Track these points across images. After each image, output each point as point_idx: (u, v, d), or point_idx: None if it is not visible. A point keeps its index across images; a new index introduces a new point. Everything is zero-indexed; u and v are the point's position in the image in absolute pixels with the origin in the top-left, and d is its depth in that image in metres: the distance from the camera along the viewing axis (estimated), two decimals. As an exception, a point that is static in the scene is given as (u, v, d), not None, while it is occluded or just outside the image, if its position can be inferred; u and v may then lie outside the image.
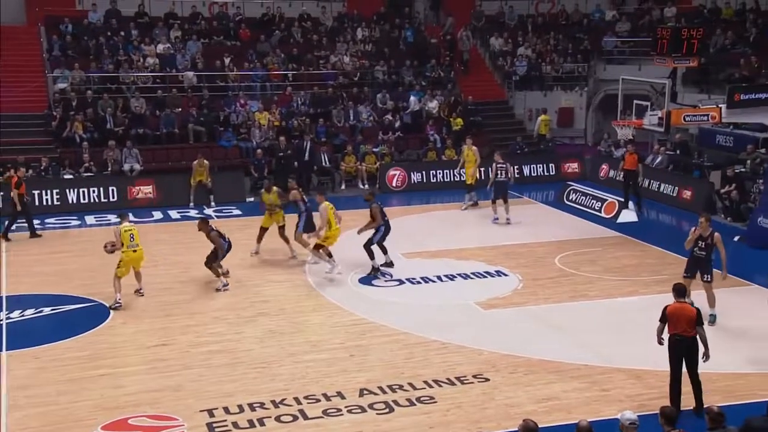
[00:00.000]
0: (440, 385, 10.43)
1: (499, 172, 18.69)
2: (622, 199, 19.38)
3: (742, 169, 19.69)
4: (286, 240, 16.12)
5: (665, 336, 9.52)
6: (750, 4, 27.26)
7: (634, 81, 18.81)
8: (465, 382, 10.54)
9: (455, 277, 14.90)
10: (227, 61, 25.56)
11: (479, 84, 27.92)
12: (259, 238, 16.35)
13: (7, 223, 17.89)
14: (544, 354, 11.34)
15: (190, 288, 14.48)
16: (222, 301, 13.75)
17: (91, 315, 13.09)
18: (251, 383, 10.58)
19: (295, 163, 22.27)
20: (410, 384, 10.46)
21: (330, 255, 14.79)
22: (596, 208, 19.65)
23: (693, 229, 12.36)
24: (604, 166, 23.46)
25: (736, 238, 17.35)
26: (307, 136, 22.85)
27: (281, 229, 16.12)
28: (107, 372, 10.94)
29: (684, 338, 9.34)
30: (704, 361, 9.44)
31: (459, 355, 11.41)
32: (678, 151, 22.36)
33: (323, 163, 22.82)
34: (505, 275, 15.03)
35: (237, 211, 20.40)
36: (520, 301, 13.68)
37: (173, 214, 20.12)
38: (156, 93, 24.20)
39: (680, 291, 9.68)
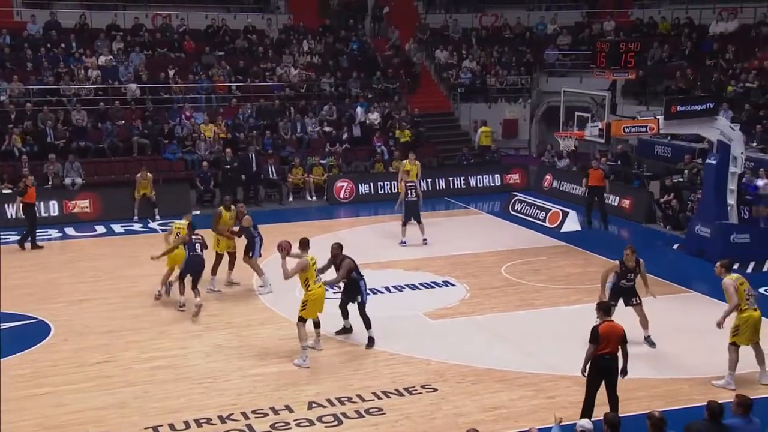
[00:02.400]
0: (389, 396, 10.44)
1: (409, 191, 17.59)
2: (568, 210, 19.68)
3: (680, 179, 20.24)
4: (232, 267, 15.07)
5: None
6: (684, 19, 28.11)
7: (575, 93, 19.21)
8: (413, 392, 10.57)
9: (403, 288, 14.95)
10: (171, 73, 25.28)
11: (425, 96, 28.16)
12: (215, 267, 14.83)
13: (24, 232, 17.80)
14: (491, 363, 11.45)
15: (134, 303, 14.21)
16: (168, 316, 13.54)
17: (32, 332, 12.74)
18: (198, 398, 10.43)
19: (243, 176, 22.12)
20: (359, 396, 10.45)
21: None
22: (541, 217, 19.96)
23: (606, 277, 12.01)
24: (547, 177, 23.86)
25: (675, 246, 17.82)
26: (252, 147, 22.72)
27: (232, 255, 15.01)
28: (49, 390, 10.67)
29: (612, 357, 9.31)
30: (622, 377, 9.45)
31: (407, 365, 11.45)
32: (619, 162, 22.88)
33: (270, 175, 22.70)
34: (453, 285, 15.14)
35: (182, 225, 20.09)
36: (467, 311, 13.79)
37: (116, 228, 19.75)
38: (98, 105, 23.79)
39: (607, 309, 9.65)
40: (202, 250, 13.79)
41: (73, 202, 20.47)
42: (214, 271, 14.82)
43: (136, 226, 19.91)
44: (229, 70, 26.15)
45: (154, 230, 19.63)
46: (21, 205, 17.93)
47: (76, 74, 24.37)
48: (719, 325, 10.67)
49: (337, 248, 12.15)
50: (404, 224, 17.84)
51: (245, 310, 13.90)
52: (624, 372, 9.45)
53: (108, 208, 20.59)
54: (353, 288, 12.18)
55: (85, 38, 26.09)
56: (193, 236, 13.88)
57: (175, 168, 22.88)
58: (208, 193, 21.98)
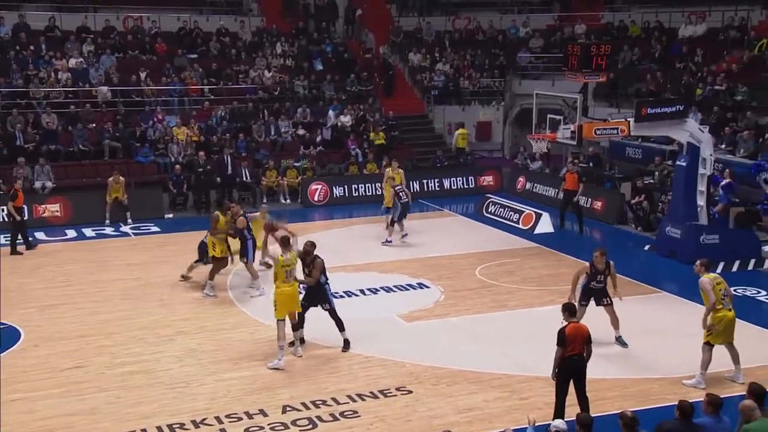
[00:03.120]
0: (364, 399, 10.43)
1: (400, 194, 17.78)
2: (541, 212, 19.79)
3: (651, 181, 20.47)
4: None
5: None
6: (654, 22, 28.42)
7: (547, 96, 19.35)
8: (388, 395, 10.57)
9: (378, 290, 14.95)
10: (143, 75, 25.07)
11: (399, 99, 28.20)
12: (214, 273, 14.66)
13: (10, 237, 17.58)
14: (465, 365, 11.48)
15: (106, 308, 14.06)
16: (140, 321, 13.40)
17: (2, 338, 12.52)
18: (170, 403, 10.34)
19: (217, 179, 22.00)
20: (334, 399, 10.43)
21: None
22: (514, 219, 20.06)
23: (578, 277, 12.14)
24: (521, 179, 23.99)
25: (646, 248, 18.01)
26: (226, 150, 22.59)
27: (223, 261, 14.79)
28: (20, 397, 10.52)
29: (579, 357, 9.40)
30: None
31: (382, 368, 11.44)
32: (590, 164, 23.07)
33: (244, 178, 22.59)
34: (427, 287, 15.17)
35: (155, 228, 19.95)
36: (441, 313, 13.82)
37: (88, 232, 19.52)
38: (68, 108, 23.52)
39: (572, 311, 9.72)
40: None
41: (44, 206, 20.20)
42: (211, 276, 14.65)
43: (108, 230, 19.70)
44: (202, 72, 26.00)
45: (126, 234, 19.46)
46: (11, 209, 17.51)
47: (46, 77, 24.07)
48: (705, 326, 10.71)
49: (311, 246, 11.94)
50: (392, 224, 18.07)
51: (219, 313, 13.80)
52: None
53: (79, 212, 20.35)
54: (319, 292, 11.97)
55: (55, 40, 25.78)
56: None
57: (148, 171, 22.67)
58: (181, 196, 21.82)
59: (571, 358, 9.36)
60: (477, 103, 28.61)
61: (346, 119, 25.63)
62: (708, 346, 10.74)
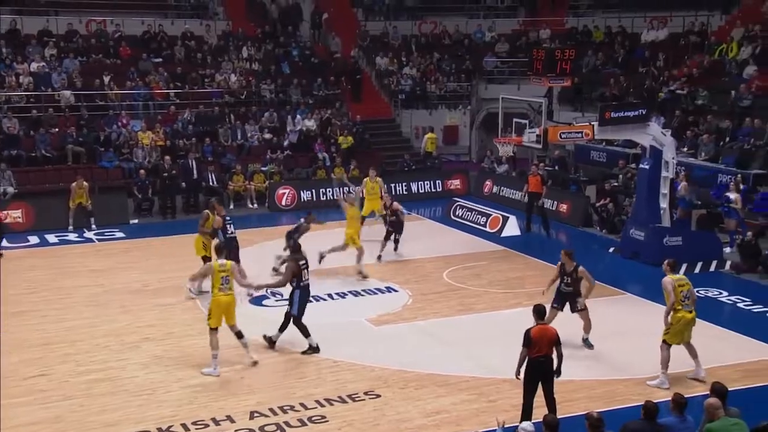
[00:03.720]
0: (332, 404, 10.40)
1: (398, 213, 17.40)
2: (508, 215, 19.91)
3: (615, 184, 20.71)
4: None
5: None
6: (617, 27, 28.80)
7: (513, 100, 19.51)
8: (356, 399, 10.55)
9: (346, 294, 14.92)
10: (107, 79, 24.78)
11: (366, 102, 28.21)
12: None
13: None
14: (433, 368, 11.51)
15: (70, 315, 13.84)
16: (104, 328, 13.22)
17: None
18: (136, 411, 10.21)
19: (183, 184, 21.80)
20: (302, 404, 10.38)
21: None
22: (481, 222, 20.17)
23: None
24: (487, 183, 24.11)
25: (610, 250, 18.21)
26: (192, 154, 22.40)
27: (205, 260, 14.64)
28: (-20, 407, 10.30)
29: (546, 359, 9.47)
30: (556, 377, 9.59)
31: (350, 372, 11.42)
32: (556, 167, 23.29)
33: (211, 183, 22.40)
34: (395, 291, 15.18)
35: (120, 234, 19.70)
36: (409, 317, 13.83)
37: (51, 238, 19.20)
38: (30, 113, 23.15)
39: (541, 313, 9.76)
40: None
41: (5, 211, 19.79)
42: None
43: (72, 236, 19.41)
44: (167, 76, 25.76)
45: (90, 240, 19.19)
46: None
47: (6, 81, 23.66)
48: (665, 324, 10.91)
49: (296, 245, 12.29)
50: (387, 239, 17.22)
51: (185, 319, 13.66)
52: (558, 372, 9.58)
53: (41, 217, 20.01)
54: (290, 297, 12.05)
55: (16, 44, 25.38)
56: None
57: (112, 176, 22.42)
58: (146, 201, 21.59)
59: (537, 360, 9.42)
60: (444, 107, 28.73)
61: (311, 123, 25.55)
62: (665, 344, 10.91)
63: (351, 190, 15.21)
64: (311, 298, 14.19)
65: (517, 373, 9.57)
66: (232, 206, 22.46)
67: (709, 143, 20.83)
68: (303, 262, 12.11)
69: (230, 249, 14.45)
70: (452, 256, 17.49)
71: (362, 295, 14.94)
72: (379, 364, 11.67)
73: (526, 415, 9.38)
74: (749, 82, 22.51)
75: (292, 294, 12.08)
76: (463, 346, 12.50)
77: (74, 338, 12.74)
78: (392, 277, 15.95)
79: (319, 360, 11.84)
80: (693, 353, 11.08)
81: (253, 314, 13.98)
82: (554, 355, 9.55)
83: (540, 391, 9.55)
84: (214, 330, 11.31)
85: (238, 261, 14.56)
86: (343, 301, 14.59)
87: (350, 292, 15.02)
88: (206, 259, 14.55)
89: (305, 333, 12.06)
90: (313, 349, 12.05)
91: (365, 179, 19.06)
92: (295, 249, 12.25)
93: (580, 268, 12.06)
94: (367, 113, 27.24)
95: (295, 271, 11.92)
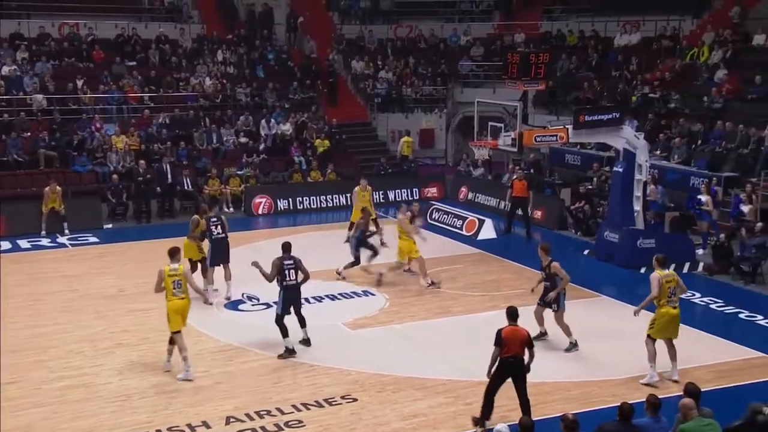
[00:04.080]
0: (308, 408, 10.36)
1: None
2: (484, 218, 19.97)
3: (590, 187, 20.87)
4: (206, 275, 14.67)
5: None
6: (590, 31, 29.03)
7: (488, 103, 19.59)
8: (333, 403, 10.52)
9: (323, 298, 14.88)
10: (80, 83, 24.56)
11: (342, 106, 28.18)
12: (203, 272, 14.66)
13: None
14: (410, 371, 11.51)
15: (43, 321, 13.67)
16: (78, 334, 13.07)
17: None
18: (110, 418, 10.10)
19: (157, 188, 21.63)
20: (278, 409, 10.33)
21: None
22: (458, 226, 20.22)
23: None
24: (463, 189, 24.05)
25: (585, 252, 18.35)
26: (166, 158, 22.24)
27: (203, 262, 14.76)
28: (-51, 416, 10.14)
29: (517, 360, 9.57)
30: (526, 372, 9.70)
31: (327, 376, 11.39)
32: (531, 170, 23.41)
33: (186, 187, 22.26)
34: (372, 295, 15.17)
35: (93, 239, 19.50)
36: (386, 320, 13.83)
37: (23, 243, 18.95)
38: (2, 117, 22.87)
39: (513, 314, 9.83)
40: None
41: (-25, 218, 19.58)
42: (207, 277, 14.63)
43: (44, 242, 19.18)
44: (141, 80, 25.58)
45: (63, 245, 18.97)
46: None
47: (-23, 84, 23.39)
48: (635, 313, 11.13)
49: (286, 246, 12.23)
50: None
51: (161, 324, 13.44)
52: (527, 368, 9.69)
53: (14, 223, 19.73)
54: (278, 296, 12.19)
55: (-13, 47, 25.09)
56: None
57: (86, 180, 22.21)
58: (120, 206, 21.39)
59: (507, 360, 9.52)
60: (420, 111, 28.81)
61: (286, 128, 25.48)
62: (649, 339, 11.05)
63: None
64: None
65: (489, 373, 9.67)
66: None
67: (681, 146, 21.08)
68: (288, 262, 12.06)
69: (220, 250, 14.52)
70: (428, 260, 17.37)
71: (339, 299, 14.92)
72: (355, 367, 11.65)
73: (487, 412, 9.56)
74: (720, 85, 22.82)
75: (278, 293, 12.16)
76: (439, 349, 12.52)
77: (47, 344, 12.58)
78: (369, 280, 15.92)
79: (296, 364, 11.80)
80: (672, 354, 11.18)
81: (229, 319, 13.93)
82: (526, 356, 9.62)
83: (515, 393, 9.59)
84: (177, 333, 11.30)
85: (227, 262, 14.59)
86: (319, 305, 14.54)
87: (327, 295, 14.98)
88: (203, 261, 14.68)
89: (284, 333, 12.05)
90: (289, 352, 12.03)
91: (356, 188, 18.75)
92: (284, 248, 12.19)
93: (554, 263, 12.15)
94: (343, 117, 27.24)
95: (279, 270, 11.93)
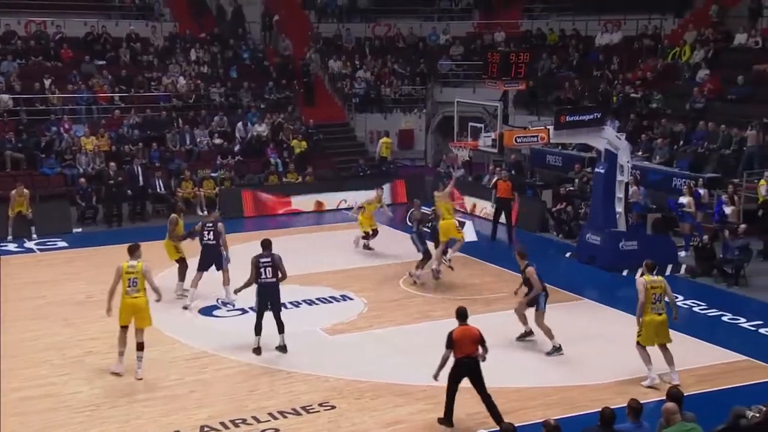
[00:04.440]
0: (285, 416, 10.33)
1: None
2: (464, 220, 19.94)
3: (571, 188, 21.00)
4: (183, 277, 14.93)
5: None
6: (571, 30, 29.23)
7: (468, 103, 19.62)
8: (311, 411, 10.49)
9: (300, 303, 14.83)
10: (48, 82, 24.32)
11: (320, 106, 28.14)
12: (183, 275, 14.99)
13: None
14: (390, 377, 11.51)
15: (10, 329, 13.49)
16: (46, 342, 12.92)
17: None
18: (78, 428, 10.02)
19: (128, 191, 21.47)
20: (254, 417, 10.28)
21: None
22: (438, 228, 20.18)
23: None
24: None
25: (567, 255, 18.45)
26: (138, 160, 22.08)
27: (181, 263, 15.01)
28: None
29: (470, 359, 9.75)
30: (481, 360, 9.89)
31: (305, 383, 11.36)
32: (512, 171, 23.47)
33: (158, 190, 22.11)
34: (351, 299, 15.16)
35: (62, 243, 19.31)
36: (365, 325, 13.82)
37: (-11, 248, 18.75)
38: (-34, 117, 22.64)
39: (462, 314, 10.02)
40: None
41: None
42: (183, 279, 14.88)
43: (11, 246, 18.96)
44: (111, 79, 25.39)
45: (30, 250, 18.76)
46: None
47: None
48: (637, 323, 11.17)
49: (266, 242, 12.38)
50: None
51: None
52: (482, 358, 9.88)
53: (-22, 227, 19.52)
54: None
55: (-49, 45, 24.81)
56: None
57: (54, 183, 22.03)
58: (90, 209, 21.21)
59: (461, 361, 9.71)
60: (399, 111, 28.85)
61: (262, 129, 25.39)
62: (639, 346, 11.17)
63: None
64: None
65: (436, 375, 9.89)
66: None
67: (663, 147, 21.27)
68: (265, 259, 12.11)
69: (207, 256, 14.58)
70: (409, 263, 17.46)
71: (316, 304, 14.88)
72: (334, 374, 11.62)
73: (448, 415, 9.72)
74: (702, 85, 23.06)
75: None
76: (420, 354, 12.47)
77: (13, 353, 12.43)
78: (347, 284, 15.92)
79: (272, 371, 11.75)
80: (669, 358, 11.25)
81: (203, 325, 13.85)
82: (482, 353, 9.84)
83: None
84: (122, 328, 11.44)
85: (218, 268, 14.67)
86: (297, 311, 14.49)
87: (304, 300, 14.94)
88: (181, 261, 14.82)
89: (256, 331, 12.20)
90: (256, 350, 12.17)
91: (371, 198, 18.64)
92: (263, 245, 12.27)
93: (528, 268, 12.28)
94: (320, 117, 27.19)
95: (256, 267, 12.07)
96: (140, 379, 11.41)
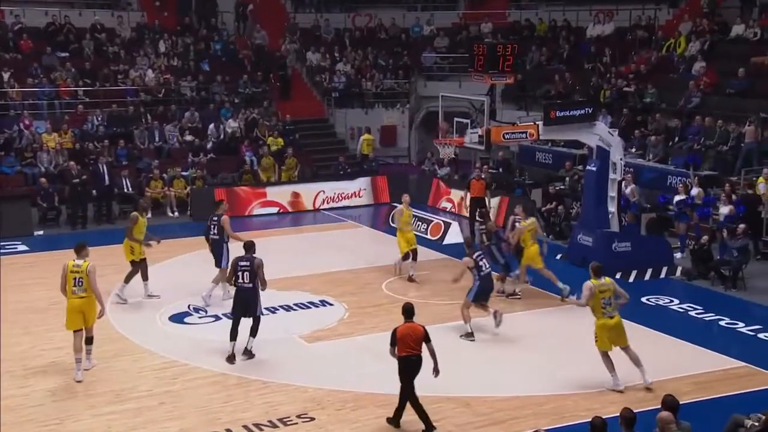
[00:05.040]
0: (261, 429, 10.32)
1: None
2: (450, 221, 20.05)
3: (562, 187, 21.09)
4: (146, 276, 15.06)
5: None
6: (561, 21, 29.38)
7: (454, 98, 19.66)
8: (288, 423, 10.49)
9: (277, 309, 14.80)
10: (6, 76, 24.19)
11: (297, 101, 28.13)
12: (145, 275, 15.07)
13: None
14: (372, 387, 11.51)
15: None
16: (6, 352, 12.80)
17: None
18: (43, 444, 9.94)
19: (93, 191, 21.36)
20: (228, 430, 10.28)
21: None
22: (422, 230, 20.27)
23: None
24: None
25: (558, 257, 18.52)
26: (103, 159, 21.97)
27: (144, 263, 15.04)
28: None
29: (416, 358, 10.07)
30: (435, 377, 10.16)
31: (282, 394, 11.35)
32: (500, 169, 23.60)
33: (125, 189, 22.00)
34: (331, 305, 15.15)
35: (23, 247, 19.18)
36: (346, 332, 13.83)
37: (-56, 252, 18.56)
38: None
39: (408, 311, 10.36)
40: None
41: None
42: (127, 279, 14.91)
43: (-32, 250, 18.81)
44: (75, 72, 25.25)
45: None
46: None
47: None
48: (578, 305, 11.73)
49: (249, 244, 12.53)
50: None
51: (98, 340, 13.30)
52: (436, 371, 10.15)
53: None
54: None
55: None
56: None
57: (13, 183, 21.94)
58: (52, 210, 21.07)
59: (409, 358, 10.04)
60: (381, 106, 28.89)
61: (236, 125, 25.33)
62: (601, 351, 11.36)
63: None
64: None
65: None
66: (149, 215, 22.01)
67: (658, 144, 21.41)
68: (244, 263, 12.23)
69: (213, 252, 14.95)
70: (392, 266, 17.52)
71: (294, 310, 14.87)
72: (312, 384, 11.62)
73: (397, 412, 10.12)
74: (698, 78, 23.22)
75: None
76: (403, 362, 12.53)
77: (-30, 364, 12.33)
78: (327, 289, 15.91)
79: (248, 382, 11.73)
80: (635, 359, 11.39)
81: (174, 333, 13.80)
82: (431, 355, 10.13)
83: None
84: (75, 332, 11.55)
85: (217, 265, 14.82)
86: (273, 317, 14.44)
87: (281, 306, 14.92)
88: (134, 263, 14.84)
89: (231, 335, 12.30)
90: (230, 358, 12.22)
91: (400, 206, 17.18)
92: (245, 247, 12.48)
93: (465, 258, 13.30)
94: (297, 113, 27.18)
95: (234, 270, 12.23)
96: (87, 369, 11.73)
